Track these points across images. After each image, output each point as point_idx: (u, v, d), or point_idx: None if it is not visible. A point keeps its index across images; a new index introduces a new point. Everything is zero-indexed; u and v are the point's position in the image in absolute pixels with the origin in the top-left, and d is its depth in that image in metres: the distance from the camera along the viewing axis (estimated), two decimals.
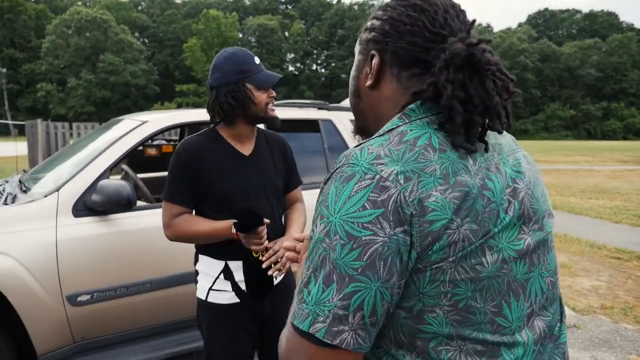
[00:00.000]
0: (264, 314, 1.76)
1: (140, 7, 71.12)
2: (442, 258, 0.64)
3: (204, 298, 1.73)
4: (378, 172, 0.64)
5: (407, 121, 0.72)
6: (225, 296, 1.71)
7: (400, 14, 0.75)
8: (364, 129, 0.89)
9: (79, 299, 2.30)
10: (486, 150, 0.71)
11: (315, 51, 77.57)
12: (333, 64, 75.91)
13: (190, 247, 2.56)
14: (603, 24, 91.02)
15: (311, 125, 3.38)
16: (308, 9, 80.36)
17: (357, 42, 0.86)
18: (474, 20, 0.75)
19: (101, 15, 50.74)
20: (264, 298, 1.77)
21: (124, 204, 2.30)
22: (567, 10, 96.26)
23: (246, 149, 1.75)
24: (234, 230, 1.61)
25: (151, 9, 69.98)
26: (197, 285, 1.78)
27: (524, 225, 0.70)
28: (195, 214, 1.74)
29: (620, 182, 14.53)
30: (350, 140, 3.44)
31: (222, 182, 1.67)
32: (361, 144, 0.71)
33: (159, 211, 2.53)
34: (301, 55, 75.07)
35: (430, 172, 0.65)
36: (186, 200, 1.69)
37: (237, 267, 1.70)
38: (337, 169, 0.68)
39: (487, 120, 0.71)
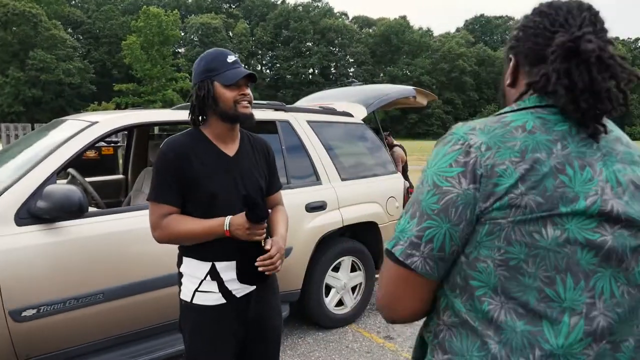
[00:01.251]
0: (248, 315, 1.75)
1: (73, 2, 67.47)
2: (502, 216, 0.75)
3: (189, 300, 1.70)
4: (468, 140, 0.80)
5: (516, 109, 0.85)
6: (212, 297, 1.68)
7: (529, 21, 0.89)
8: None
9: (23, 314, 2.13)
10: (595, 137, 0.79)
11: (260, 52, 76.94)
12: (278, 65, 75.60)
13: (149, 253, 2.49)
14: None
15: (269, 127, 3.33)
16: (252, 9, 79.52)
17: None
18: (596, 13, 0.83)
19: (30, 9, 47.55)
20: (251, 298, 1.74)
21: (74, 211, 2.16)
22: (501, 17, 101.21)
23: (230, 150, 1.74)
24: (226, 227, 1.60)
25: (86, 4, 66.51)
26: (181, 287, 1.74)
27: (606, 223, 0.75)
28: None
29: None
30: (307, 140, 3.42)
31: (209, 182, 1.65)
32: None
33: (112, 217, 2.44)
34: (246, 56, 74.09)
35: (510, 146, 0.77)
36: (174, 199, 1.65)
37: (224, 268, 1.68)
38: (443, 138, 0.85)
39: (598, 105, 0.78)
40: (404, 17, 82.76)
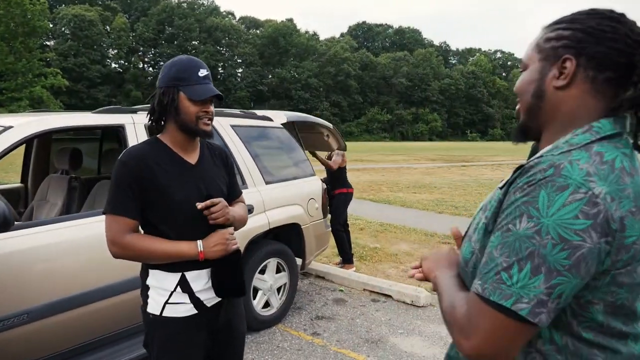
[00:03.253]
0: (218, 323, 1.74)
1: None
2: (624, 266, 0.78)
3: (158, 313, 1.63)
4: (591, 188, 0.75)
5: (596, 138, 0.83)
6: (183, 308, 1.64)
7: (599, 24, 0.84)
8: (529, 129, 0.97)
9: None
10: None
11: (142, 48, 72.74)
12: (162, 63, 71.60)
13: (85, 266, 2.35)
14: (410, 39, 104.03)
15: None
16: (132, 3, 74.80)
17: (531, 50, 0.95)
18: None
19: None
20: (221, 307, 1.74)
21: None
22: (381, 25, 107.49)
23: (192, 158, 1.71)
24: (200, 249, 1.60)
25: None
26: (148, 300, 1.66)
27: None
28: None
29: (434, 177, 16.91)
30: (232, 145, 3.42)
31: (173, 191, 1.61)
32: (562, 154, 0.81)
33: (41, 230, 2.25)
34: (125, 52, 69.58)
35: (627, 195, 0.77)
36: (134, 212, 1.58)
37: (194, 278, 1.65)
38: (546, 177, 0.77)
39: None
40: (290, 20, 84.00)
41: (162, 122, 1.68)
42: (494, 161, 27.11)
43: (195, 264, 1.64)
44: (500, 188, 0.91)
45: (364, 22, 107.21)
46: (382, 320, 3.86)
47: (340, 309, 4.09)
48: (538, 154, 0.87)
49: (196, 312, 1.66)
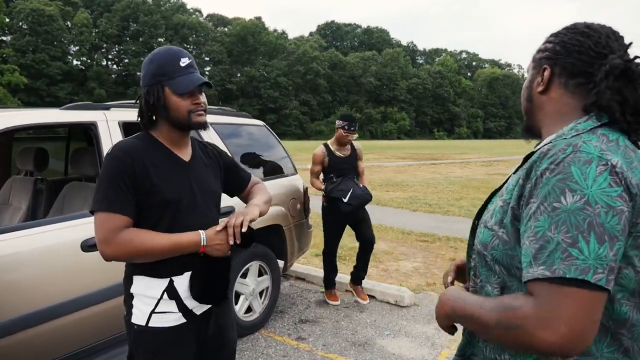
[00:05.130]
0: (207, 332, 1.63)
1: None
2: None
3: (143, 324, 1.50)
4: (609, 160, 0.82)
5: (597, 124, 0.92)
6: (171, 318, 1.52)
7: (571, 38, 0.98)
8: (531, 127, 1.11)
9: None
10: (638, 146, 0.94)
11: (105, 45, 70.59)
12: (127, 60, 70.39)
13: (50, 279, 2.16)
14: (378, 39, 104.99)
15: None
16: None
17: (531, 61, 1.10)
18: (631, 43, 0.97)
19: None
20: (211, 315, 1.63)
21: None
22: (350, 25, 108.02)
23: (185, 155, 1.61)
24: (203, 242, 1.50)
25: None
26: (132, 310, 1.53)
27: None
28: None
29: (405, 176, 17.04)
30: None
31: (167, 188, 1.49)
32: (573, 137, 0.89)
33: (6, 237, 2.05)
34: (88, 49, 67.48)
35: (635, 166, 0.86)
36: (129, 208, 1.44)
37: (181, 282, 1.53)
38: (568, 154, 0.84)
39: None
40: (259, 18, 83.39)
41: (154, 120, 1.57)
42: (462, 159, 27.59)
43: (184, 266, 1.53)
44: (514, 173, 1.00)
45: (332, 22, 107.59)
46: (367, 321, 3.78)
47: (323, 312, 3.98)
48: (545, 141, 0.99)
49: (185, 321, 1.55)
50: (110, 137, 2.61)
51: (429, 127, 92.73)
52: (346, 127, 3.99)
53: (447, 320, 1.05)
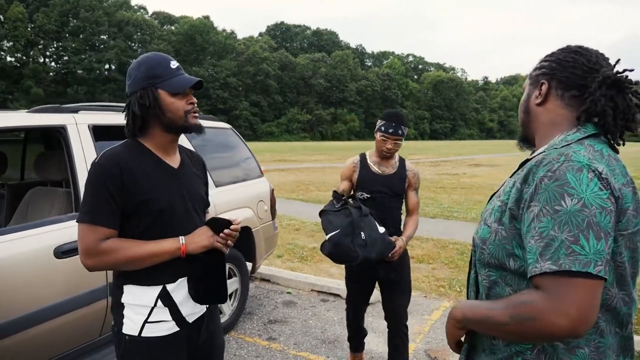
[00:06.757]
0: (199, 339, 1.64)
1: None
2: (623, 229, 0.97)
3: (136, 334, 1.49)
4: (596, 167, 0.95)
5: (584, 135, 1.06)
6: (164, 327, 1.52)
7: (565, 56, 1.13)
8: (526, 137, 1.24)
9: None
10: (617, 152, 1.09)
11: (42, 41, 66.88)
12: (66, 58, 67.00)
13: (14, 290, 2.10)
14: (327, 41, 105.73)
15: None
16: None
17: (527, 78, 1.24)
18: (619, 60, 1.11)
19: None
20: (202, 322, 1.63)
21: None
22: (299, 26, 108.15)
23: (174, 162, 1.60)
24: (182, 242, 1.50)
25: None
26: (123, 320, 1.51)
27: None
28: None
29: None
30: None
31: (158, 197, 1.48)
32: (564, 147, 1.02)
33: None
34: (23, 45, 63.69)
35: (617, 173, 0.99)
36: (113, 221, 1.44)
37: (175, 288, 1.53)
38: (562, 163, 0.96)
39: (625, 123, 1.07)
40: (207, 17, 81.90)
41: (144, 127, 1.54)
42: (411, 159, 27.95)
43: (176, 272, 1.53)
44: (511, 177, 1.13)
45: (282, 23, 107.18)
46: (334, 319, 3.88)
47: (291, 312, 4.04)
48: (539, 150, 1.13)
49: (178, 329, 1.55)
50: (80, 140, 2.56)
51: None
52: (383, 129, 2.61)
53: (456, 329, 1.13)
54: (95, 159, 1.48)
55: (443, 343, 3.49)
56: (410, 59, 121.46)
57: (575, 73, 1.10)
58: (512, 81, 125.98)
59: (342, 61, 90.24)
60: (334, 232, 2.38)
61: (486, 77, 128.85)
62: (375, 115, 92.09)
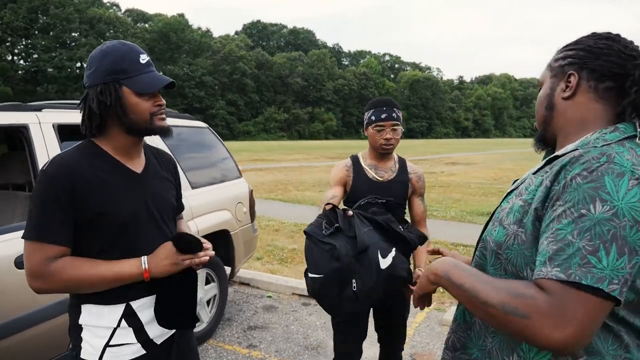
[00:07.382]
0: None
1: None
2: None
3: None
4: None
5: (624, 136, 0.93)
6: (128, 350, 1.35)
7: (596, 43, 0.99)
8: (545, 137, 1.11)
9: None
10: None
11: (10, 38, 64.76)
12: (36, 56, 65.09)
13: None
14: (304, 40, 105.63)
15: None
16: None
17: (545, 70, 1.10)
18: None
19: None
20: (172, 344, 1.47)
21: None
22: (276, 24, 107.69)
23: (137, 166, 1.42)
24: (145, 266, 1.30)
25: None
26: (82, 345, 1.34)
27: None
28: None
29: None
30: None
31: (117, 209, 1.31)
32: (604, 146, 0.90)
33: None
34: None
35: None
36: (65, 237, 1.26)
37: (141, 307, 1.36)
38: (602, 164, 0.85)
39: None
40: (182, 15, 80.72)
41: (103, 126, 1.35)
42: None
43: (142, 289, 1.36)
44: (534, 174, 1.01)
45: (258, 21, 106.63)
46: (317, 324, 3.77)
47: (272, 317, 3.91)
48: (570, 147, 0.97)
49: (144, 352, 1.38)
50: (44, 140, 2.39)
51: (355, 128, 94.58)
52: (374, 118, 2.17)
53: (431, 284, 1.04)
54: (44, 165, 1.30)
55: (429, 347, 3.42)
56: (387, 58, 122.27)
57: (610, 61, 0.96)
58: (487, 80, 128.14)
59: (319, 60, 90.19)
60: (316, 276, 1.67)
61: (461, 77, 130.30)
62: (353, 114, 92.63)
